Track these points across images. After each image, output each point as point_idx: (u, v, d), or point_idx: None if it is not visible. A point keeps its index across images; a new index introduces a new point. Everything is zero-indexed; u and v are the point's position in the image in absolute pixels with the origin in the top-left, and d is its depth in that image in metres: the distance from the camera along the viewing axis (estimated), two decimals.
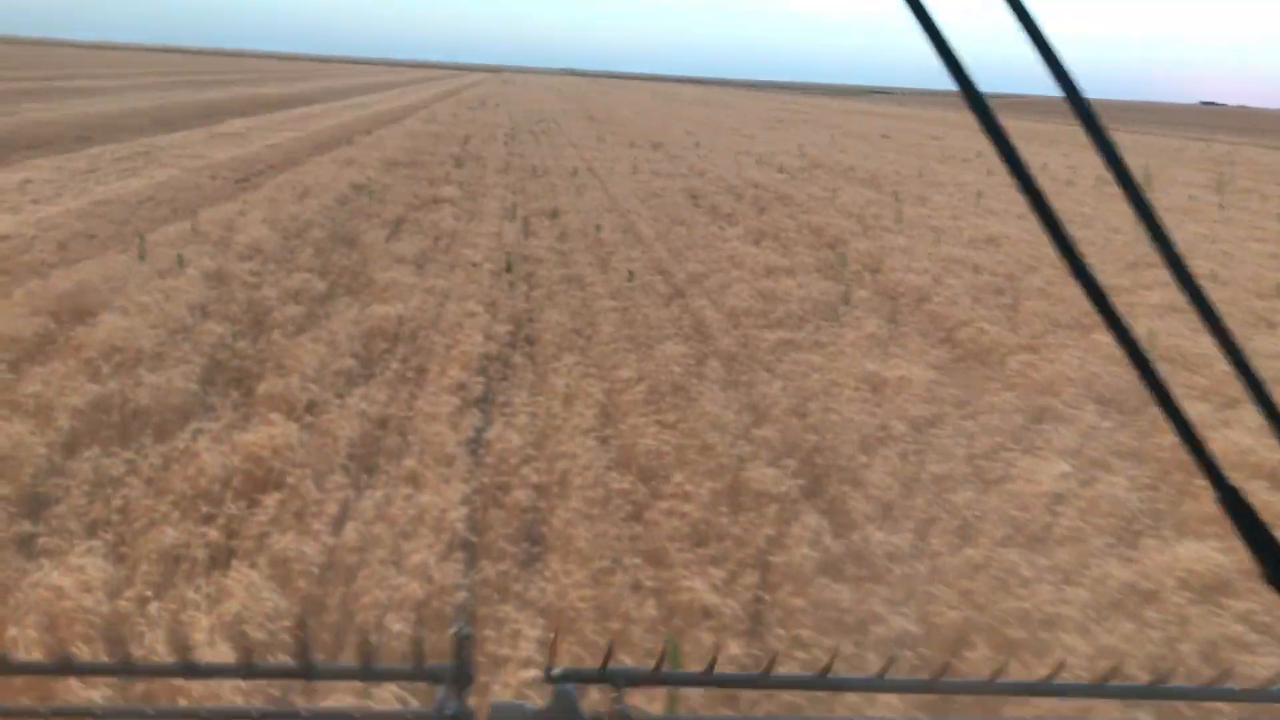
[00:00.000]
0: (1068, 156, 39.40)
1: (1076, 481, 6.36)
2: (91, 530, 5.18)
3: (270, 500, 5.48)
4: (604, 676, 0.94)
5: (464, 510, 5.63)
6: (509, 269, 12.43)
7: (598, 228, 15.81)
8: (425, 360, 8.41)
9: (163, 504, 5.38)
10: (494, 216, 16.78)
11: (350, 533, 5.20)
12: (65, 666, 0.93)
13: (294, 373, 7.62)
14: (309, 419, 6.87)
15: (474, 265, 12.43)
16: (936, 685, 0.97)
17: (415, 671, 0.92)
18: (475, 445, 6.72)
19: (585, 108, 64.23)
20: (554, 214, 17.26)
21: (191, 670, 0.93)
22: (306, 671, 0.93)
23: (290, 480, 5.74)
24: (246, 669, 0.94)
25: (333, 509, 5.51)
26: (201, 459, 5.83)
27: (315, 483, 5.75)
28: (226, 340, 8.39)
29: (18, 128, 31.04)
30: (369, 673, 0.94)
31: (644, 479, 6.25)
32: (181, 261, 11.21)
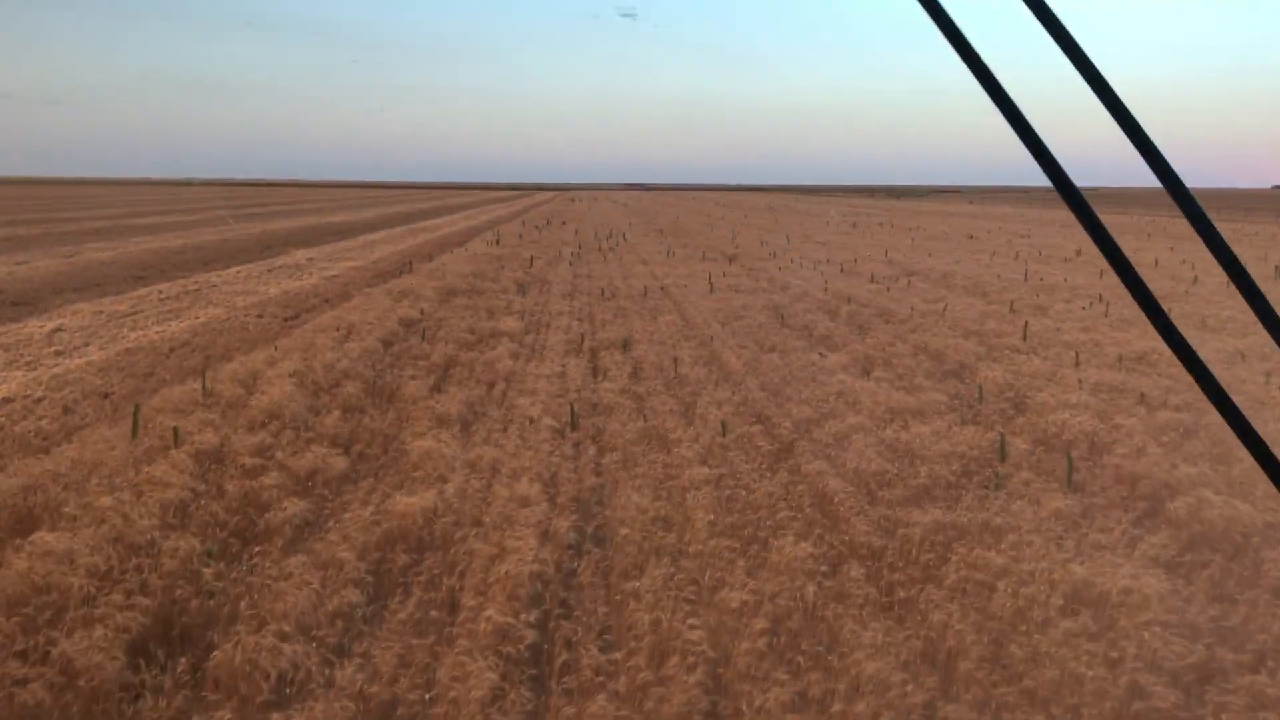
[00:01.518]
0: (1174, 250, 36.53)
1: None
2: None
3: None
4: None
5: None
6: (574, 425, 10.18)
7: (676, 361, 13.57)
8: (457, 587, 6.08)
9: None
10: (558, 352, 14.67)
11: None
12: None
13: (270, 624, 5.35)
14: None
15: (531, 422, 10.20)
16: None
17: None
18: None
19: (651, 221, 63.08)
20: (625, 345, 15.09)
21: None
22: None
23: None
24: None
25: None
26: None
27: None
28: (191, 566, 6.18)
29: (74, 268, 30.27)
30: None
31: None
32: (177, 438, 9.17)
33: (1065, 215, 72.30)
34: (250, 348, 15.73)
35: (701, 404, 11.16)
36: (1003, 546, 6.73)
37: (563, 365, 13.50)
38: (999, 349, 14.83)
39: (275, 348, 14.59)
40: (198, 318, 20.58)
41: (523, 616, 5.60)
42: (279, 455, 8.78)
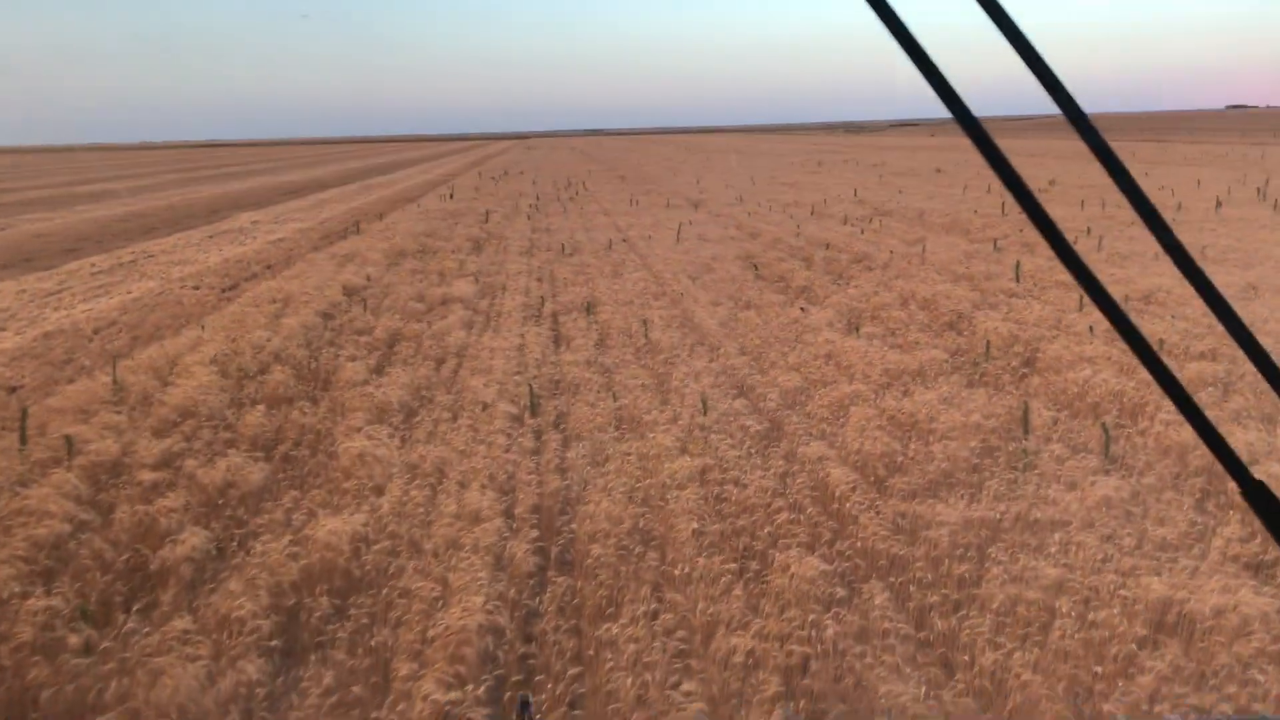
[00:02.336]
0: (1148, 176, 35.55)
1: None
2: None
3: None
4: None
5: None
6: (534, 409, 8.93)
7: (646, 325, 12.30)
8: (388, 646, 4.85)
9: None
10: (515, 319, 13.35)
11: None
12: None
13: None
14: None
15: (484, 408, 8.93)
16: None
17: None
18: None
19: (613, 168, 61.32)
20: (590, 308, 13.80)
21: None
22: None
23: None
24: None
25: None
26: None
27: None
28: (52, 635, 4.90)
29: (4, 243, 28.45)
30: None
31: None
32: (71, 448, 7.83)
33: (1031, 144, 71.27)
34: (181, 325, 14.31)
35: (677, 376, 9.94)
36: (1051, 550, 5.59)
37: (521, 335, 12.19)
38: (993, 294, 13.68)
39: (203, 326, 13.17)
40: (129, 293, 19.07)
41: (470, 689, 4.39)
42: (187, 465, 7.46)
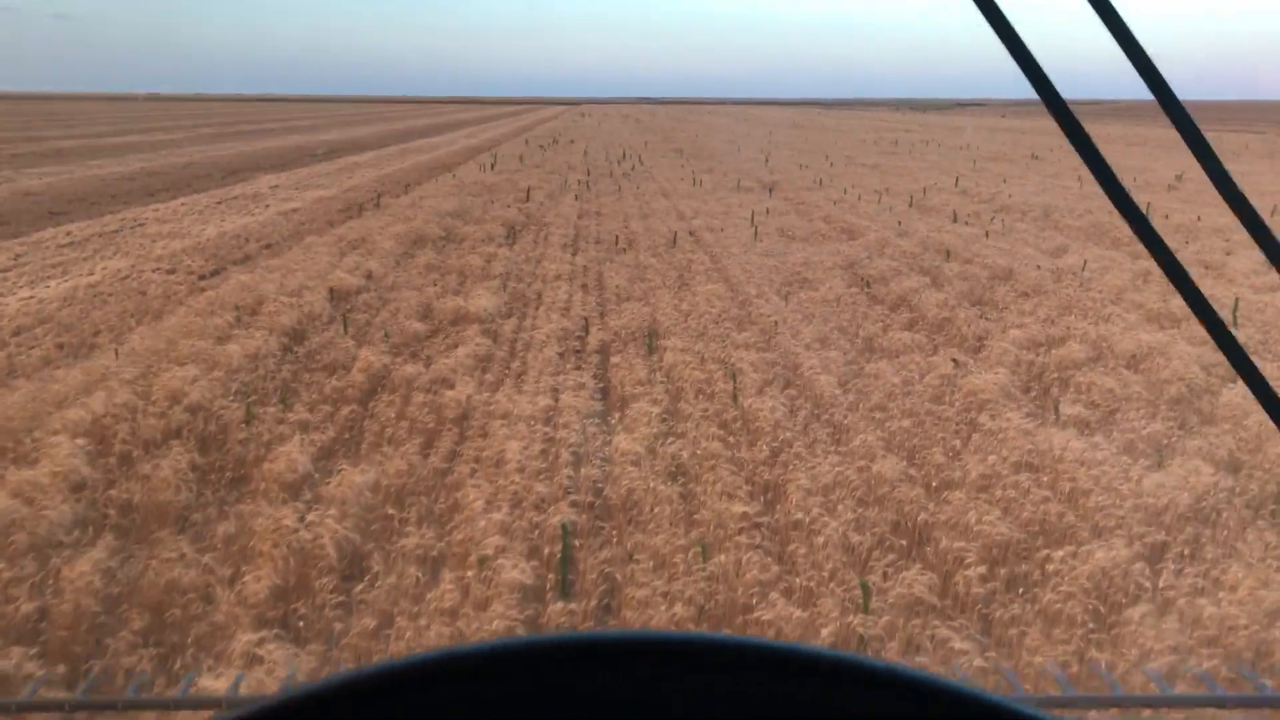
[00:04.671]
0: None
1: None
2: None
3: None
4: None
5: None
6: (564, 581, 5.18)
7: (733, 375, 8.53)
8: None
9: None
10: (549, 355, 9.61)
11: None
12: None
13: None
14: None
15: (483, 566, 5.20)
16: None
17: None
18: None
19: (669, 139, 57.16)
20: (652, 339, 10.05)
21: None
22: None
23: None
24: None
25: None
26: None
27: None
28: None
29: None
30: None
31: None
32: None
33: (1125, 130, 66.04)
34: (118, 334, 10.85)
35: (795, 494, 6.15)
36: None
37: (554, 390, 8.43)
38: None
39: (117, 352, 9.57)
40: (90, 275, 15.67)
41: None
42: None
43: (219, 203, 25.49)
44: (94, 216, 22.80)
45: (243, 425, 7.35)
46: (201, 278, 15.44)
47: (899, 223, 18.97)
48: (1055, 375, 8.88)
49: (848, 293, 12.60)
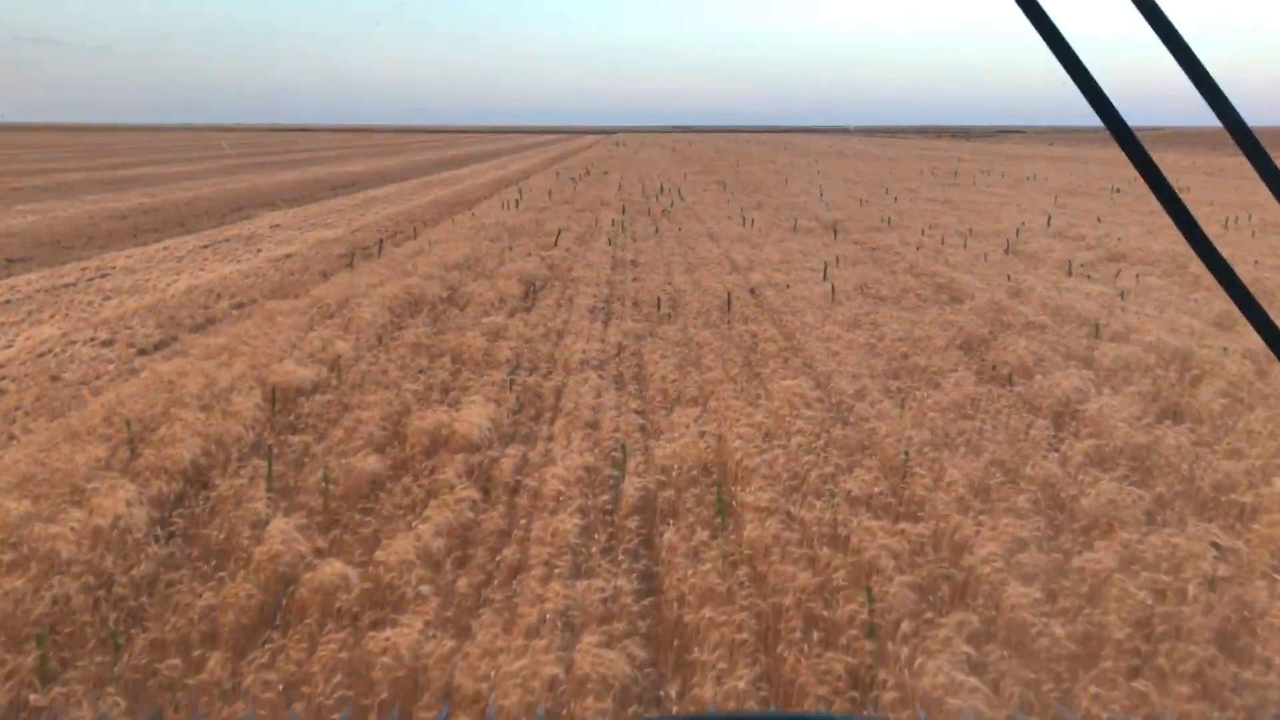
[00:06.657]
0: None
1: None
2: None
3: None
4: None
5: None
6: None
7: (867, 588, 5.05)
8: None
9: None
10: (562, 529, 6.12)
11: None
12: None
13: None
14: None
15: None
16: None
17: None
18: None
19: (709, 169, 53.77)
20: (720, 489, 6.59)
21: None
22: None
23: None
24: None
25: None
26: None
27: None
28: None
29: None
30: None
31: None
32: None
33: (1194, 159, 61.94)
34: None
35: None
36: None
37: (566, 632, 4.96)
38: None
39: None
40: (9, 347, 12.63)
41: None
42: None
43: (205, 246, 22.43)
44: (55, 265, 19.78)
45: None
46: (142, 352, 12.33)
47: (1007, 278, 15.40)
48: None
49: (983, 393, 9.06)
